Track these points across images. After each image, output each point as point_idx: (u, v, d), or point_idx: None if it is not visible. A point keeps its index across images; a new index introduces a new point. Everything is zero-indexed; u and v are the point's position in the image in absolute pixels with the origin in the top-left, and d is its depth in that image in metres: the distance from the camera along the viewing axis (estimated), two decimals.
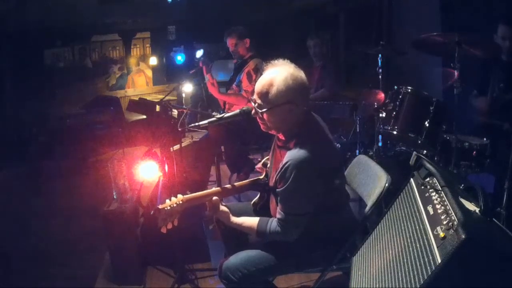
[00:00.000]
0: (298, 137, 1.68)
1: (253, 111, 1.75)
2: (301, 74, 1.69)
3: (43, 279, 2.70)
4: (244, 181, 2.04)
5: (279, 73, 1.66)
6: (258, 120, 1.76)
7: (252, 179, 2.05)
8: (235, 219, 1.82)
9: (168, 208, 1.69)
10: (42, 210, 3.79)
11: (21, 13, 5.11)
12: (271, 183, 1.78)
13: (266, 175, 2.01)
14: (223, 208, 1.83)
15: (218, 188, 1.93)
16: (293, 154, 1.62)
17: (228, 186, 1.98)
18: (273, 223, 1.71)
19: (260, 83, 1.69)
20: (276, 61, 1.73)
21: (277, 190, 1.67)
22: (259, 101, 1.69)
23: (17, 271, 2.83)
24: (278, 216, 1.69)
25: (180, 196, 1.75)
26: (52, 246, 3.11)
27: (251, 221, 1.78)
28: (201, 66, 3.58)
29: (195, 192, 1.84)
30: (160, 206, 1.69)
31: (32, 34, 5.50)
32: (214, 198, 1.82)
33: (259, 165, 2.13)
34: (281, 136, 1.79)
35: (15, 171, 4.98)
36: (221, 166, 3.78)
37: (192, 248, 2.70)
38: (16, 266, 2.89)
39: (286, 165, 1.61)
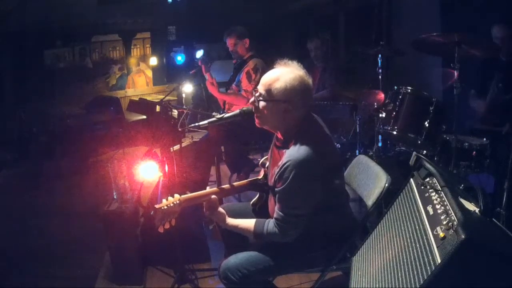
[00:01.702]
0: (297, 137, 1.68)
1: (252, 99, 1.75)
2: (309, 80, 1.72)
3: (43, 279, 2.70)
4: (242, 181, 2.04)
5: (289, 72, 1.69)
6: (254, 111, 1.76)
7: (251, 179, 2.05)
8: (230, 221, 1.81)
9: (165, 207, 1.69)
10: (42, 210, 3.79)
11: (22, 13, 5.12)
12: (270, 183, 1.78)
13: (265, 175, 2.02)
14: (220, 209, 1.82)
15: (216, 188, 1.93)
16: (292, 154, 1.62)
17: (226, 186, 1.98)
18: (270, 224, 1.70)
19: (268, 75, 1.72)
20: (289, 62, 1.75)
21: (276, 189, 1.67)
22: (261, 90, 1.71)
23: (17, 271, 2.83)
24: (275, 216, 1.68)
25: (177, 196, 1.75)
26: (52, 246, 3.11)
27: (247, 223, 1.77)
28: (200, 64, 3.59)
29: (195, 192, 1.84)
30: (156, 206, 1.68)
31: (32, 35, 5.50)
32: (213, 196, 1.81)
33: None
34: (279, 136, 1.79)
35: (15, 171, 4.98)
36: (221, 166, 3.79)
37: (192, 248, 2.70)
38: (16, 266, 2.88)
39: (286, 164, 1.61)
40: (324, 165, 1.65)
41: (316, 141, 1.69)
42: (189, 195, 1.80)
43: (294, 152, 1.63)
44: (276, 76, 1.69)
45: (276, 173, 1.67)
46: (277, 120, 1.72)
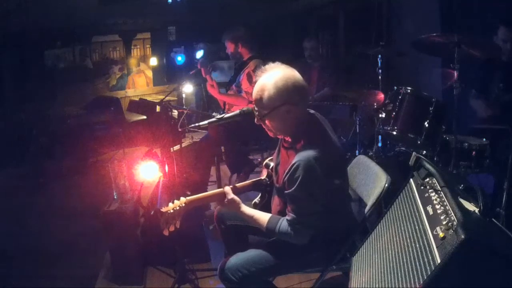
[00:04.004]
0: (305, 138, 1.68)
1: (256, 120, 1.76)
2: (293, 73, 1.70)
3: (43, 279, 2.70)
4: (246, 182, 2.03)
5: (269, 78, 1.68)
6: (264, 127, 1.77)
7: (254, 179, 2.05)
8: (246, 210, 1.80)
9: (171, 211, 1.69)
10: (42, 210, 3.79)
11: (22, 14, 5.12)
12: (279, 183, 1.77)
13: (269, 176, 2.01)
14: (233, 197, 1.81)
15: (221, 189, 1.92)
16: (301, 155, 1.62)
17: (231, 187, 1.97)
18: (283, 223, 1.70)
19: (254, 91, 1.72)
20: (267, 66, 1.74)
21: (286, 192, 1.67)
22: (257, 108, 1.72)
23: (17, 271, 2.83)
24: (288, 217, 1.68)
25: (182, 199, 1.75)
26: (52, 246, 3.11)
27: (262, 216, 1.77)
28: (200, 68, 3.58)
29: (195, 192, 1.84)
30: (163, 210, 1.68)
31: (32, 35, 5.51)
32: (223, 189, 1.81)
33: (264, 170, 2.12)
34: (287, 138, 1.79)
35: (15, 171, 4.98)
36: (221, 166, 3.79)
37: (192, 248, 2.70)
38: (16, 266, 2.89)
39: (295, 165, 1.62)
40: (331, 166, 1.66)
41: (323, 142, 1.69)
42: (194, 197, 1.80)
43: (303, 153, 1.63)
44: (260, 87, 1.68)
45: (285, 174, 1.66)
46: (286, 125, 1.72)
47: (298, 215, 1.65)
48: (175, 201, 1.73)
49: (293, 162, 1.63)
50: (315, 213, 1.66)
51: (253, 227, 1.84)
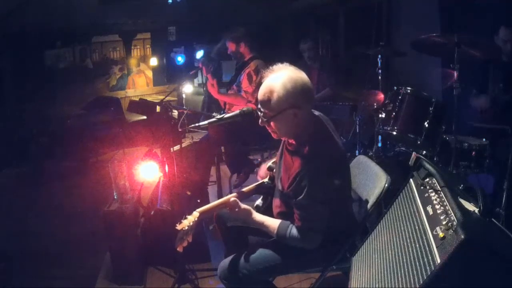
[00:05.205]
0: (309, 143, 1.67)
1: (260, 121, 1.73)
2: (301, 75, 1.67)
3: (43, 279, 2.70)
4: (250, 186, 2.03)
5: (277, 79, 1.65)
6: (268, 129, 1.75)
7: (258, 183, 2.05)
8: (257, 216, 1.80)
9: (186, 228, 1.68)
10: (42, 210, 3.79)
11: (22, 14, 5.12)
12: (283, 188, 1.76)
13: (271, 179, 2.01)
14: (244, 206, 1.81)
15: (233, 194, 1.90)
16: (306, 163, 1.62)
17: (239, 192, 1.95)
18: (293, 229, 1.70)
19: (261, 92, 1.68)
20: (275, 66, 1.71)
21: (294, 201, 1.67)
22: (263, 109, 1.68)
23: (17, 271, 2.83)
24: (297, 224, 1.69)
25: (195, 214, 1.74)
26: (52, 246, 3.12)
27: (273, 222, 1.76)
28: (201, 67, 3.59)
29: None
30: (178, 227, 1.67)
31: (32, 35, 5.51)
32: (232, 199, 1.80)
33: (262, 172, 2.11)
34: (291, 141, 1.77)
35: (15, 171, 4.99)
36: (221, 166, 3.79)
37: (192, 248, 2.69)
38: (16, 266, 2.89)
39: (301, 175, 1.62)
40: (336, 169, 1.66)
41: (328, 145, 1.69)
42: (205, 207, 1.80)
43: (308, 159, 1.63)
44: (268, 89, 1.65)
45: (291, 181, 1.66)
46: (292, 127, 1.70)
47: (306, 222, 1.66)
48: (188, 217, 1.71)
49: (298, 170, 1.63)
50: (323, 217, 1.66)
51: (253, 227, 1.84)
